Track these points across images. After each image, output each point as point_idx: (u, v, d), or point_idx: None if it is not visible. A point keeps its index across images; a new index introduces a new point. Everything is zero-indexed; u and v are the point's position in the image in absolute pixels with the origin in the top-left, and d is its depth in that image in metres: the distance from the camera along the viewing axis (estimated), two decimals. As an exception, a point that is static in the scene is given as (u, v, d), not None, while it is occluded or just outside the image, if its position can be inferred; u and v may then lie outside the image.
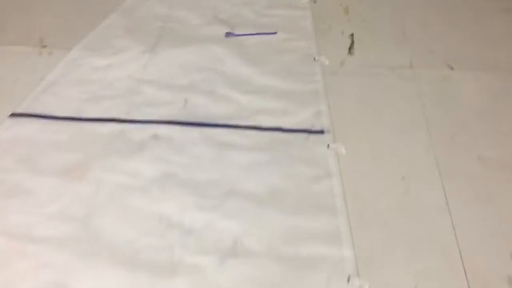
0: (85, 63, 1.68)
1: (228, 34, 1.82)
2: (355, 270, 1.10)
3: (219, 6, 1.99)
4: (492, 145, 1.40)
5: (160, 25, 1.87)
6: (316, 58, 1.71)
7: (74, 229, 1.19)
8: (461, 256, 1.14)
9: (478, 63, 1.69)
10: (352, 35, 1.83)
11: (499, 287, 1.09)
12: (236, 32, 1.83)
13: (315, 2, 2.01)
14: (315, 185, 1.29)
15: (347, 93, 1.59)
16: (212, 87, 1.60)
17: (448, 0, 2.01)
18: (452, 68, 1.67)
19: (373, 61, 1.72)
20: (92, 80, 1.62)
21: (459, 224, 1.20)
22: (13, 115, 1.49)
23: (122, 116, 1.49)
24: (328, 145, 1.40)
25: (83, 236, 1.18)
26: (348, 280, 1.09)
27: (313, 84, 1.61)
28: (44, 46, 1.76)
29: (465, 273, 1.10)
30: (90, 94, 1.57)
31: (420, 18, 1.92)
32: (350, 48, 1.77)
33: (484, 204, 1.25)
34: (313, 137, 1.43)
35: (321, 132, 1.44)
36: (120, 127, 1.45)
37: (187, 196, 1.27)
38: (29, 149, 1.39)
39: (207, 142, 1.41)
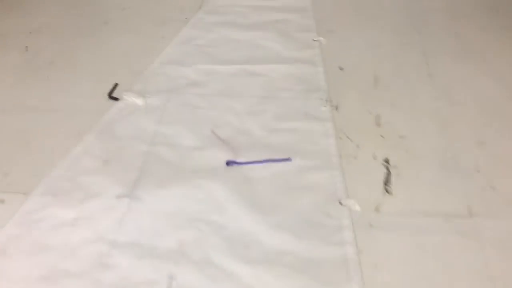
0: (46, 217, 1.29)
1: (229, 163, 1.44)
2: None
3: (219, 117, 1.60)
4: None
5: (144, 149, 1.49)
6: (343, 202, 1.31)
7: None
8: None
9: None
10: (387, 161, 1.43)
11: None
12: (240, 160, 1.45)
13: (336, 109, 1.61)
14: None
15: (388, 262, 1.18)
16: (206, 253, 1.21)
17: (505, 109, 1.59)
18: (526, 218, 1.26)
19: (418, 204, 1.31)
20: (52, 246, 1.23)
21: None
22: None
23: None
24: None
25: None
26: None
27: (341, 248, 1.21)
28: (-5, 191, 1.38)
29: None
30: (47, 270, 1.18)
31: (473, 133, 1.50)
32: (386, 182, 1.37)
33: None
34: None
35: (356, 338, 1.04)
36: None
37: None
38: None
39: None
